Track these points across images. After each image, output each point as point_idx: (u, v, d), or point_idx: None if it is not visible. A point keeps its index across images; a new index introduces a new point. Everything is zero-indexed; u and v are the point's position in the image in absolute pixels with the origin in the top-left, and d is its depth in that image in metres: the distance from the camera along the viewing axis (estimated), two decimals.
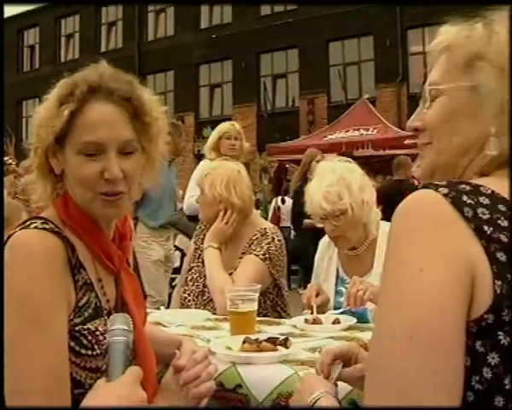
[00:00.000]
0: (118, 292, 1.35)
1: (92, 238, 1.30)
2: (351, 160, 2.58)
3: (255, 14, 20.45)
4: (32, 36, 26.51)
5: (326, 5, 18.23)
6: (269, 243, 2.50)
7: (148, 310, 2.49)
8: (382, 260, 2.57)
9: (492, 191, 0.89)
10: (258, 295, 1.99)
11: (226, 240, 2.60)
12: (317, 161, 4.36)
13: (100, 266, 1.32)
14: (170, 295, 4.74)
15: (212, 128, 5.02)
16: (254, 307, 1.96)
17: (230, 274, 2.46)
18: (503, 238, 0.84)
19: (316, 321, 2.08)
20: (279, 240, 2.55)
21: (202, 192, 2.66)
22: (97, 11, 24.23)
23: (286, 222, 10.63)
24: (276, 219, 10.58)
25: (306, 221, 6.61)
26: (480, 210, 0.85)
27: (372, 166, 8.97)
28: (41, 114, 1.29)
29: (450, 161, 1.03)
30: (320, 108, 19.24)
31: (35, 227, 1.20)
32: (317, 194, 2.38)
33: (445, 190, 0.87)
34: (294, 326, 2.08)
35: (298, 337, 1.88)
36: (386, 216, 2.50)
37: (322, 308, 2.30)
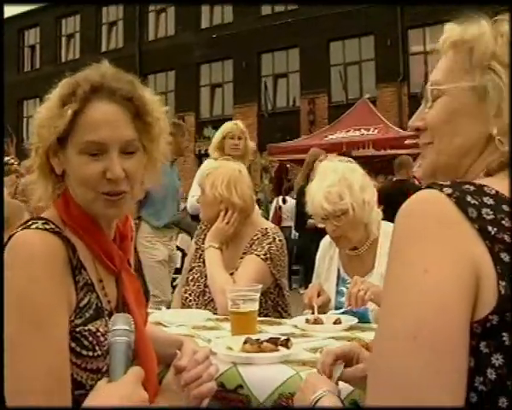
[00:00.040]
0: (119, 292, 1.35)
1: (93, 238, 1.30)
2: (352, 160, 2.58)
3: (256, 14, 20.45)
4: (32, 36, 26.53)
5: (327, 5, 18.23)
6: (270, 243, 2.50)
7: (152, 310, 2.50)
8: (383, 260, 2.58)
9: (496, 192, 0.89)
10: (259, 295, 1.98)
11: (227, 240, 2.60)
12: (321, 161, 4.36)
13: (101, 266, 1.31)
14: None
15: (213, 128, 5.04)
16: (255, 307, 1.95)
17: (231, 274, 2.46)
18: (507, 239, 0.83)
19: (317, 321, 2.08)
20: (280, 240, 2.55)
21: (203, 192, 2.66)
22: (98, 11, 24.24)
23: (287, 222, 10.64)
24: (278, 219, 10.58)
25: (310, 221, 6.61)
26: (484, 210, 0.85)
27: (373, 166, 8.97)
28: (42, 114, 1.29)
29: (451, 161, 1.03)
30: (321, 108, 19.24)
31: (36, 228, 1.20)
32: (318, 194, 2.38)
33: (449, 191, 0.87)
34: (295, 326, 2.08)
35: (299, 338, 1.88)
36: (387, 216, 2.50)
37: (323, 308, 2.30)
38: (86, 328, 1.22)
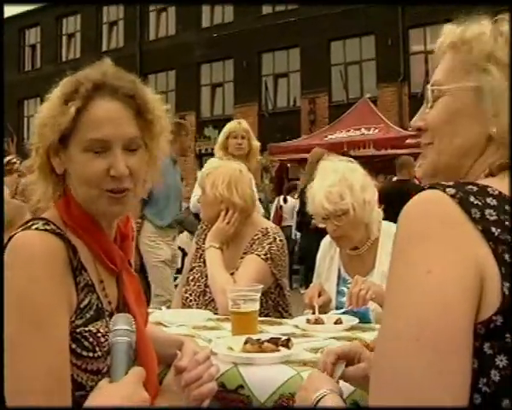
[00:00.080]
0: (119, 293, 1.35)
1: (94, 239, 1.30)
2: (352, 159, 2.58)
3: (256, 14, 20.44)
4: (33, 35, 26.54)
5: (327, 4, 18.23)
6: (270, 243, 2.49)
7: (155, 310, 2.50)
8: (384, 260, 2.57)
9: (500, 192, 0.88)
10: (259, 295, 1.98)
11: (228, 240, 2.60)
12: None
13: (101, 267, 1.31)
14: None
15: (214, 128, 5.04)
16: (256, 307, 1.95)
17: (232, 274, 2.46)
18: (510, 240, 0.83)
19: (318, 321, 2.08)
20: (281, 240, 2.55)
21: (204, 192, 2.65)
22: (99, 10, 24.25)
23: (288, 221, 10.65)
24: (278, 219, 10.59)
25: (314, 221, 6.61)
26: (487, 211, 0.85)
27: (373, 165, 8.96)
28: (44, 113, 1.28)
29: (452, 161, 1.03)
30: (321, 108, 19.24)
31: (36, 228, 1.20)
32: (319, 194, 2.37)
33: (453, 191, 0.87)
34: (296, 326, 2.08)
35: (300, 338, 1.88)
36: (388, 216, 2.50)
37: (324, 308, 2.30)
38: (87, 329, 1.22)
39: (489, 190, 0.88)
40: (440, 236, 0.84)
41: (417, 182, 6.79)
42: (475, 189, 0.88)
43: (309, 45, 19.01)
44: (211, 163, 3.00)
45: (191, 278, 2.69)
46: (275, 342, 1.66)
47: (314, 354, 1.66)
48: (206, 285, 2.58)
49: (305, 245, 8.47)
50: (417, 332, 0.80)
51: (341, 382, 1.30)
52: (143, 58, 22.36)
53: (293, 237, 10.19)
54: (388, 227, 2.44)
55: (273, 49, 20.20)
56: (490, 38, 0.99)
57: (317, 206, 2.38)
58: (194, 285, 2.65)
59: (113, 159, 1.25)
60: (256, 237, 2.53)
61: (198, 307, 2.56)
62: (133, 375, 1.12)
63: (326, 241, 2.65)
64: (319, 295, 2.34)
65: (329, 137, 13.27)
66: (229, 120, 5.32)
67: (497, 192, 0.88)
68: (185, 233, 6.86)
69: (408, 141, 10.31)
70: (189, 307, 2.60)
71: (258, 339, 1.68)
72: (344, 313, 2.17)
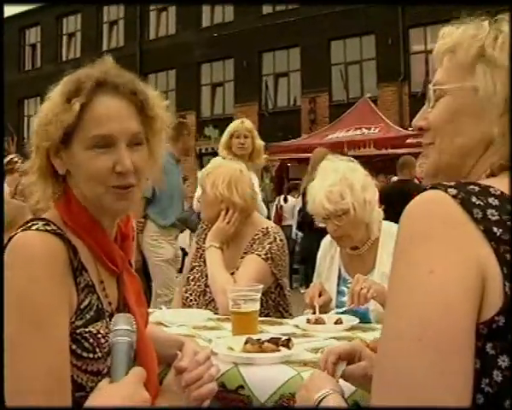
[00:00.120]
0: (120, 293, 1.34)
1: (94, 239, 1.29)
2: (353, 159, 2.58)
3: (257, 13, 20.44)
4: (33, 35, 26.55)
5: (328, 4, 18.23)
6: (271, 243, 2.49)
7: (157, 309, 2.50)
8: (384, 259, 2.57)
9: (502, 192, 0.88)
10: (260, 295, 1.98)
11: (228, 240, 2.59)
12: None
13: (102, 267, 1.31)
14: None
15: (214, 127, 5.03)
16: (256, 307, 1.95)
17: (232, 274, 2.46)
18: None
19: (318, 321, 2.08)
20: (281, 240, 2.55)
21: (204, 192, 2.65)
22: (99, 10, 24.26)
23: (288, 221, 10.67)
24: (279, 218, 10.60)
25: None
26: (489, 211, 0.84)
27: (374, 165, 8.98)
28: (45, 113, 1.27)
29: (453, 161, 1.03)
30: (322, 107, 19.23)
31: (36, 229, 1.19)
32: (320, 194, 2.37)
33: (454, 191, 0.86)
34: (297, 326, 2.08)
35: (300, 338, 1.88)
36: (388, 216, 2.50)
37: (324, 308, 2.30)
38: (87, 330, 1.21)
39: (491, 190, 0.88)
40: (442, 236, 0.84)
41: (418, 182, 6.80)
42: (477, 189, 0.88)
43: (309, 45, 19.01)
44: (213, 162, 3.00)
45: (191, 277, 2.69)
46: (275, 342, 1.66)
47: (314, 354, 1.66)
48: (207, 285, 2.57)
49: (307, 245, 8.46)
50: (419, 332, 0.80)
51: (342, 382, 1.30)
52: (143, 58, 22.36)
53: (293, 236, 10.19)
54: (389, 227, 2.44)
55: (273, 49, 20.20)
56: (488, 38, 0.99)
57: (318, 206, 2.38)
58: (194, 285, 2.65)
59: (118, 155, 1.25)
60: (256, 237, 2.53)
61: (198, 307, 2.56)
62: (134, 375, 1.12)
63: (326, 240, 2.65)
64: (320, 295, 2.34)
65: (330, 136, 13.28)
66: (229, 119, 5.33)
67: (499, 192, 0.88)
68: (185, 233, 6.87)
69: (408, 140, 10.33)
70: (190, 306, 2.60)
71: (259, 339, 1.68)
72: (344, 312, 2.17)
